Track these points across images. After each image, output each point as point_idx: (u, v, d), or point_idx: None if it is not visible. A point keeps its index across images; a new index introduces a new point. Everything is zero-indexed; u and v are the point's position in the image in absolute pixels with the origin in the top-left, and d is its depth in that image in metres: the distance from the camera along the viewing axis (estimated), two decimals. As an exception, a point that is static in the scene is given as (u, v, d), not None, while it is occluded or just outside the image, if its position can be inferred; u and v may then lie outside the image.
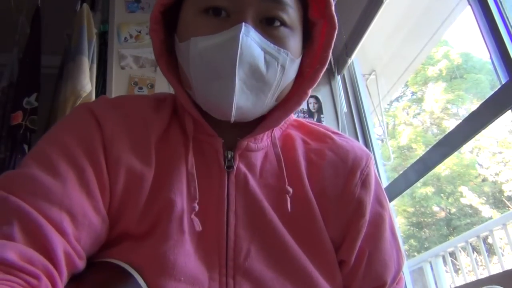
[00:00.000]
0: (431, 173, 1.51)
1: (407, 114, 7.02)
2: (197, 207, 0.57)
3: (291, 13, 0.59)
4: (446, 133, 1.39)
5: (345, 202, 0.63)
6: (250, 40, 0.55)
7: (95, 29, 1.87)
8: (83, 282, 0.50)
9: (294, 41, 0.60)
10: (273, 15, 0.58)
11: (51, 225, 0.47)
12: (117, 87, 1.83)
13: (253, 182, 0.61)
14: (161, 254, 0.53)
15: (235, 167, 0.61)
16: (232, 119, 0.58)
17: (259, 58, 0.55)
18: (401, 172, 1.62)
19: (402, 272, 0.67)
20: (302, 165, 0.64)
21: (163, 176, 0.58)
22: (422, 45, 2.45)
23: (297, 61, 0.61)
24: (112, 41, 1.91)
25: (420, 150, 6.02)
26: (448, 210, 6.12)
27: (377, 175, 0.69)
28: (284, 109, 0.63)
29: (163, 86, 1.86)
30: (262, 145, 0.64)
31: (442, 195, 6.15)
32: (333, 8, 0.61)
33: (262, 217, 0.60)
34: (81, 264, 0.51)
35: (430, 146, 1.47)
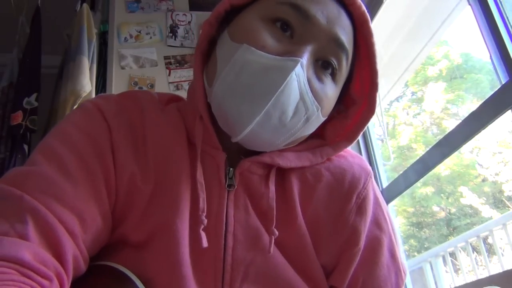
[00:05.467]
0: (431, 173, 1.51)
1: (407, 114, 7.01)
2: (205, 221, 0.54)
3: (343, 68, 0.57)
4: (446, 133, 1.39)
5: (339, 228, 0.61)
6: (296, 82, 0.52)
7: (95, 29, 1.87)
8: (82, 286, 0.50)
9: (333, 96, 0.58)
10: (329, 59, 0.55)
11: (64, 227, 0.47)
12: (117, 87, 1.82)
13: (251, 204, 0.59)
14: (156, 273, 0.52)
15: (235, 186, 0.58)
16: (235, 140, 0.55)
17: (293, 103, 0.52)
18: (401, 172, 1.62)
19: None
20: (295, 190, 0.60)
21: (165, 185, 0.56)
22: (422, 45, 2.45)
23: (322, 120, 0.58)
24: (112, 41, 1.91)
25: (420, 150, 6.01)
26: (448, 210, 6.11)
27: (378, 192, 0.66)
28: (297, 156, 0.60)
29: (163, 86, 1.86)
30: (261, 171, 0.60)
31: (442, 195, 6.15)
32: (377, 93, 0.60)
33: (261, 240, 0.57)
34: (84, 267, 0.50)
35: (430, 146, 1.47)
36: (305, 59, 0.52)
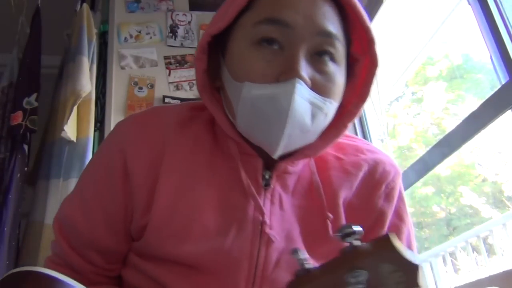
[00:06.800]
0: (431, 173, 1.51)
1: (407, 114, 7.02)
2: (267, 221, 0.61)
3: (339, 48, 0.59)
4: (446, 133, 1.39)
5: (368, 212, 0.66)
6: (301, 97, 0.54)
7: (95, 29, 1.87)
8: None
9: (340, 78, 0.60)
10: (324, 49, 0.58)
11: (84, 262, 0.66)
12: (117, 87, 1.83)
13: (286, 200, 0.64)
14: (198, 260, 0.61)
15: (271, 186, 0.63)
16: (275, 157, 0.59)
17: (306, 114, 0.56)
18: (401, 172, 1.62)
19: None
20: (335, 184, 0.66)
21: (188, 186, 0.62)
22: (422, 45, 2.45)
23: (338, 103, 0.61)
24: (112, 41, 1.91)
25: (420, 150, 6.01)
26: (448, 210, 6.11)
27: (402, 190, 0.71)
28: (324, 140, 0.63)
29: (163, 86, 1.86)
30: (297, 168, 0.65)
31: (442, 195, 6.14)
32: (376, 46, 0.62)
33: (293, 233, 0.63)
34: (111, 269, 0.68)
35: (430, 146, 1.47)
36: (302, 72, 0.55)
